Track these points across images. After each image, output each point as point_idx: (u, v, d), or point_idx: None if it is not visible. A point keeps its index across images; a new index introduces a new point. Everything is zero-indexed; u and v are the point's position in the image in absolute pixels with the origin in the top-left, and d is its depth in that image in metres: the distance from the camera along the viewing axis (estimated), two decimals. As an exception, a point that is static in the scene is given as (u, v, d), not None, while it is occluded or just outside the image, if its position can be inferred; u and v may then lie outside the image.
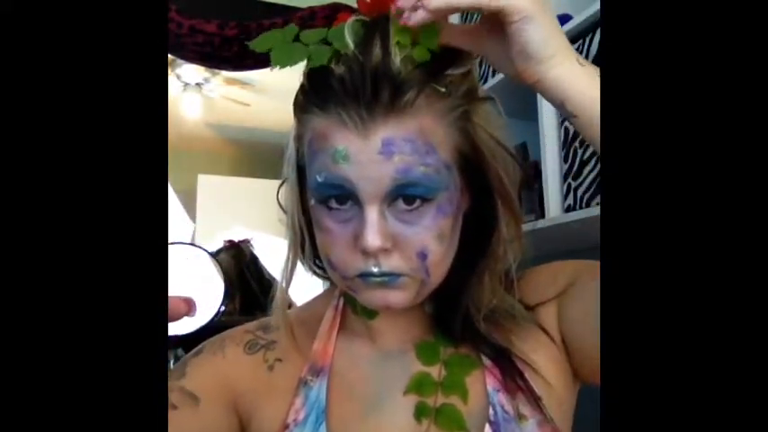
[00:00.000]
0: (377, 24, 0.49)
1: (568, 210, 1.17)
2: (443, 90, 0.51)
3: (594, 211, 1.07)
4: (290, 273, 0.59)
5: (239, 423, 0.59)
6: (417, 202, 0.51)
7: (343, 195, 0.51)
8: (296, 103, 0.55)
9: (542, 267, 0.63)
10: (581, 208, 1.13)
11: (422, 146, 0.50)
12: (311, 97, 0.52)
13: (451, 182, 0.52)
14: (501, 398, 0.55)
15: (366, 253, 0.50)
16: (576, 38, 1.17)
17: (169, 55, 2.16)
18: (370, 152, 0.49)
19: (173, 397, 0.57)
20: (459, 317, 0.57)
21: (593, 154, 1.12)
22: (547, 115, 1.23)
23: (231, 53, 2.03)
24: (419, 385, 0.56)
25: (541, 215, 1.27)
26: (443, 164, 0.51)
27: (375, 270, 0.51)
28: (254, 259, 2.35)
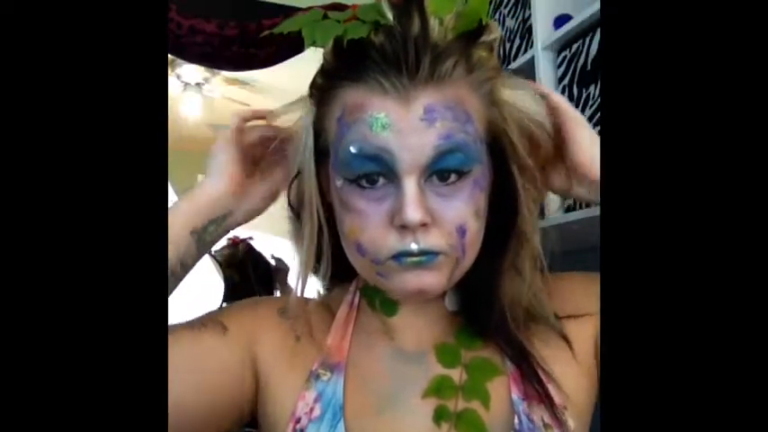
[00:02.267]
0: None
1: (568, 210, 1.17)
2: (483, 54, 0.52)
3: (594, 211, 1.07)
4: (305, 271, 0.57)
5: (254, 382, 0.57)
6: (453, 177, 0.50)
7: (377, 171, 0.50)
8: (317, 86, 0.55)
9: (573, 276, 0.61)
10: (581, 208, 1.13)
11: (461, 113, 0.50)
12: (343, 70, 0.51)
13: (485, 156, 0.53)
14: (526, 407, 0.53)
15: (404, 230, 0.49)
16: (575, 38, 1.17)
17: (169, 55, 2.16)
18: (412, 119, 0.49)
19: (204, 320, 0.57)
20: (491, 309, 0.55)
21: (593, 154, 1.11)
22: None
23: (231, 53, 2.03)
24: (439, 388, 0.54)
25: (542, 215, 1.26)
26: (479, 135, 0.52)
27: (414, 247, 0.49)
28: (251, 258, 2.34)
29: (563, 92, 1.20)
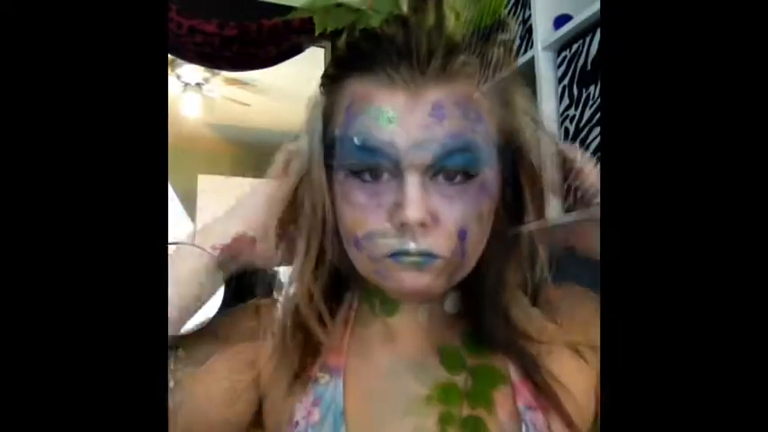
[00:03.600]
0: None
1: (569, 210, 1.17)
2: (500, 52, 0.50)
3: (594, 211, 1.07)
4: (313, 268, 0.54)
5: (258, 401, 0.56)
6: (459, 178, 0.48)
7: (380, 165, 0.48)
8: (328, 74, 0.53)
9: (562, 288, 0.59)
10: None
11: (472, 112, 0.48)
12: (354, 61, 0.50)
13: (495, 160, 0.51)
14: (533, 416, 0.51)
15: (403, 228, 0.47)
16: (575, 38, 1.17)
17: (169, 55, 2.17)
18: (421, 114, 0.47)
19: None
20: (496, 315, 0.54)
21: (594, 154, 1.12)
22: (547, 115, 1.23)
23: (231, 53, 2.04)
24: (445, 394, 0.52)
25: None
26: (490, 137, 0.50)
27: (412, 247, 0.47)
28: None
29: (563, 92, 1.20)
